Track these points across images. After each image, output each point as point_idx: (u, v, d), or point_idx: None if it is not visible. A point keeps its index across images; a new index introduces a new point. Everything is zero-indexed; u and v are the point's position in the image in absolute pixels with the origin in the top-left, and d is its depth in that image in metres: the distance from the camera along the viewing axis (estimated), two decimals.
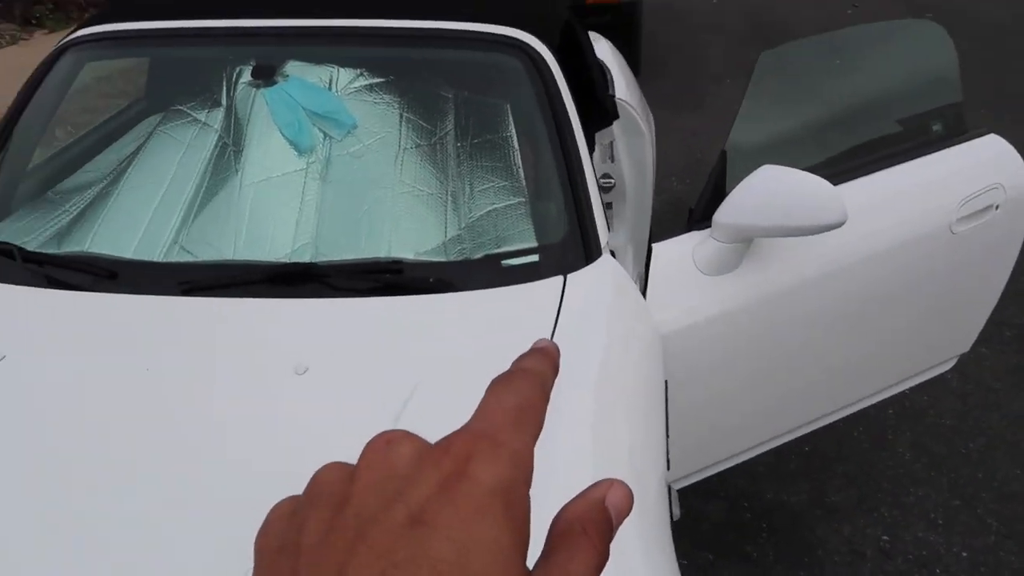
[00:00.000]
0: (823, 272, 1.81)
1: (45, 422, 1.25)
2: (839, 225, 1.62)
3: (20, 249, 1.62)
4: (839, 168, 1.89)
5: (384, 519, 0.30)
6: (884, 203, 1.89)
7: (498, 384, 0.36)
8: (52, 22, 7.25)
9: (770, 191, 1.63)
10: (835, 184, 1.66)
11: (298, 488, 1.11)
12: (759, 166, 1.68)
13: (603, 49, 3.17)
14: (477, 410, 0.34)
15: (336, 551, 0.30)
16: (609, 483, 0.35)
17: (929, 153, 2.00)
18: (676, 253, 1.76)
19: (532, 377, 0.36)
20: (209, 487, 1.14)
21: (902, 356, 2.13)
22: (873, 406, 2.75)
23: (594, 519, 0.34)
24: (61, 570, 1.03)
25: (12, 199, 1.81)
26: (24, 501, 1.13)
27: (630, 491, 0.35)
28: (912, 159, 1.96)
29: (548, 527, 0.34)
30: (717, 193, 1.78)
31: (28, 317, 1.49)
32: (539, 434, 0.34)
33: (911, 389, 2.82)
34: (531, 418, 0.34)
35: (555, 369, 0.38)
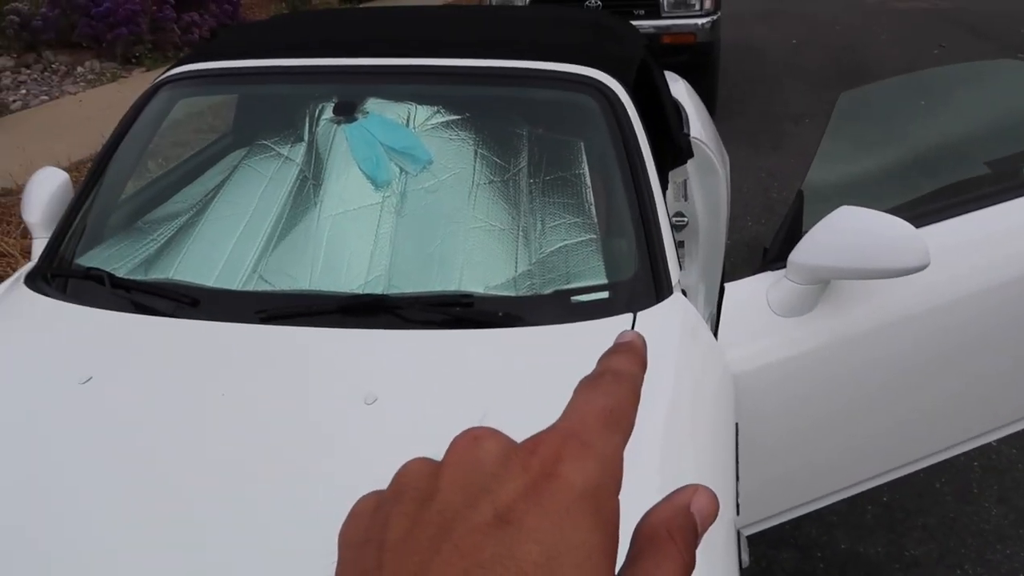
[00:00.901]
0: (904, 316, 1.76)
1: (125, 441, 1.30)
2: (921, 268, 1.57)
3: (109, 275, 1.69)
4: (923, 210, 1.84)
5: (470, 517, 0.29)
6: (970, 246, 1.83)
7: (587, 385, 0.34)
8: (150, 61, 7.62)
9: (849, 232, 1.59)
10: (918, 227, 1.61)
11: None
12: (837, 207, 1.65)
13: (679, 88, 3.17)
14: (566, 410, 0.33)
15: (420, 547, 0.29)
16: (694, 488, 0.34)
17: (1019, 196, 1.92)
18: (749, 293, 1.73)
19: (622, 378, 0.35)
20: (276, 511, 1.16)
21: (989, 405, 2.03)
22: (957, 457, 2.63)
23: (680, 524, 0.33)
24: None
25: (105, 227, 1.90)
26: (103, 515, 1.17)
27: (715, 497, 0.34)
28: (1000, 202, 1.89)
29: (632, 532, 0.33)
30: (793, 233, 1.75)
31: (114, 340, 1.55)
32: (629, 438, 0.33)
33: (999, 441, 2.70)
34: (621, 421, 0.33)
35: (644, 366, 0.36)
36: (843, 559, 2.33)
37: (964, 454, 2.60)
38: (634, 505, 1.11)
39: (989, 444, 2.67)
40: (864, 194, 1.74)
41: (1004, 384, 2.01)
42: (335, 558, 0.33)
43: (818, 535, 2.40)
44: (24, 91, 6.85)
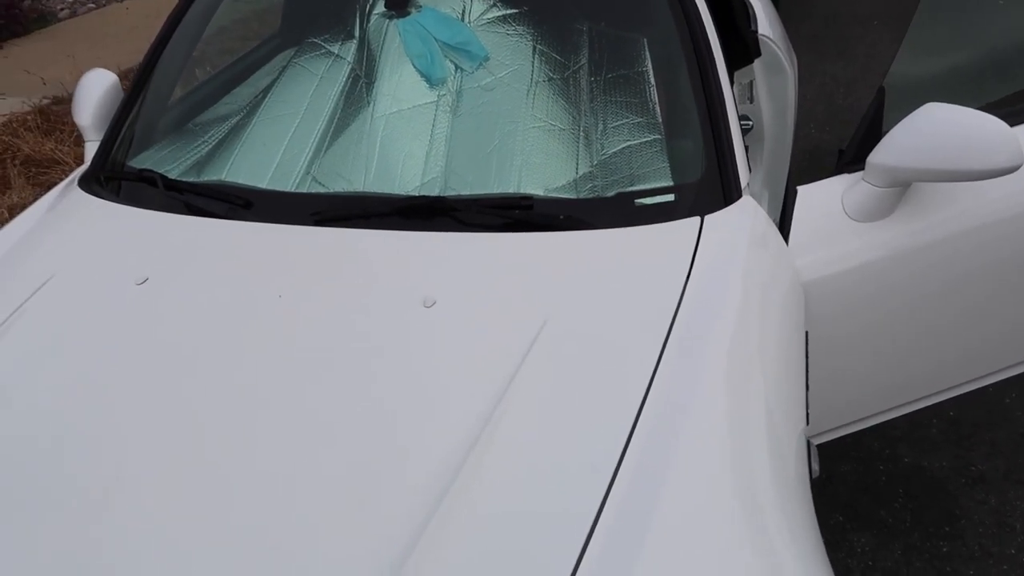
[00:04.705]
0: (989, 222, 1.65)
1: (185, 340, 1.29)
2: (1014, 170, 1.46)
3: (162, 177, 1.67)
4: (1017, 108, 1.71)
5: None
6: None
7: None
8: None
9: (935, 131, 1.49)
10: (1012, 125, 1.50)
11: (417, 419, 1.07)
12: (920, 105, 1.54)
13: None
14: None
15: None
16: None
17: None
18: (823, 196, 1.64)
19: None
20: (338, 412, 1.14)
21: None
22: None
23: None
24: (190, 492, 1.06)
25: (156, 129, 1.87)
26: (161, 413, 1.16)
27: None
28: None
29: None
30: (872, 133, 1.65)
31: (169, 241, 1.53)
32: None
33: None
34: None
35: None
36: (907, 472, 2.28)
37: None
38: (700, 414, 1.06)
39: None
40: (953, 91, 1.62)
41: None
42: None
43: (880, 448, 2.35)
44: None
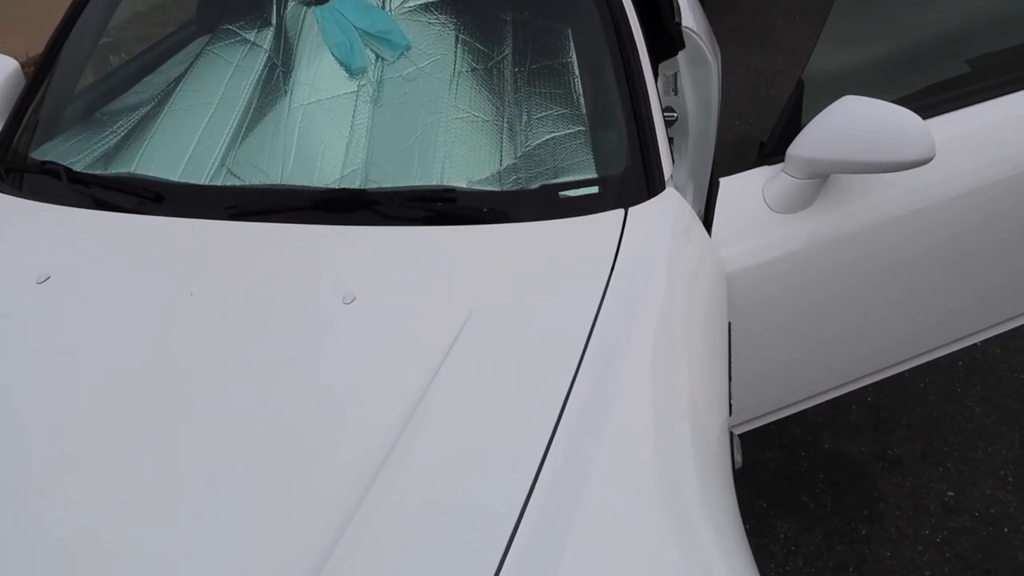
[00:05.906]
0: (904, 213, 1.69)
1: (87, 342, 1.23)
2: (927, 161, 1.50)
3: (67, 169, 1.59)
4: (929, 101, 1.76)
5: None
6: (977, 139, 1.75)
7: None
8: None
9: (852, 123, 1.51)
10: (924, 118, 1.53)
11: (339, 416, 1.04)
12: (839, 97, 1.56)
13: None
14: None
15: None
16: None
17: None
18: (744, 188, 1.66)
19: None
20: (253, 413, 1.10)
21: (983, 305, 2.00)
22: (942, 358, 2.64)
23: None
24: (94, 493, 1.01)
25: (61, 119, 1.78)
26: (63, 421, 1.10)
27: None
28: (1010, 92, 1.81)
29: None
30: (792, 125, 1.67)
31: (73, 238, 1.46)
32: None
33: (984, 341, 2.70)
34: None
35: None
36: (828, 458, 2.33)
37: (948, 354, 2.61)
38: (625, 405, 1.05)
39: (974, 344, 2.67)
40: (870, 84, 1.65)
41: (1000, 282, 1.97)
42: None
43: (803, 435, 2.40)
44: None
